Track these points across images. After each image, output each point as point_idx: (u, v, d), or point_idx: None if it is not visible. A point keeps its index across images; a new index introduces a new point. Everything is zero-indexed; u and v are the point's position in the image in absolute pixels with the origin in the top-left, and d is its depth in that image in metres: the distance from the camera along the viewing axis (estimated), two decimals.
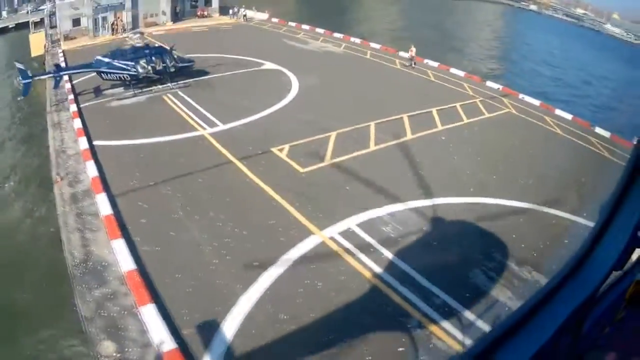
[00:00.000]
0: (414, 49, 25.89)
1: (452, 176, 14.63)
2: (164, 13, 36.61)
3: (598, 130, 20.57)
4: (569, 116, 21.67)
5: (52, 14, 41.36)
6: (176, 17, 37.28)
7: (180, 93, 20.27)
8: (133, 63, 20.41)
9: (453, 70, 26.42)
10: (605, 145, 19.23)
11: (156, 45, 22.03)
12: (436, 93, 22.37)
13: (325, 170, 14.13)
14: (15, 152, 18.77)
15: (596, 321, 1.53)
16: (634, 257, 1.55)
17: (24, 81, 20.04)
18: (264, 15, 38.55)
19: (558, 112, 22.08)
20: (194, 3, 38.89)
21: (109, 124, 17.46)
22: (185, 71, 21.56)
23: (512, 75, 33.63)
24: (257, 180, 13.25)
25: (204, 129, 16.56)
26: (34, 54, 32.66)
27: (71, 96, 20.51)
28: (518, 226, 12.44)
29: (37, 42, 33.70)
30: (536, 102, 22.88)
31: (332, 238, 11.17)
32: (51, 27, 40.55)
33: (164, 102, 19.41)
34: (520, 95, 23.51)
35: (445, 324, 8.94)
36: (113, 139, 16.09)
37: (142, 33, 22.84)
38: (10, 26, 50.00)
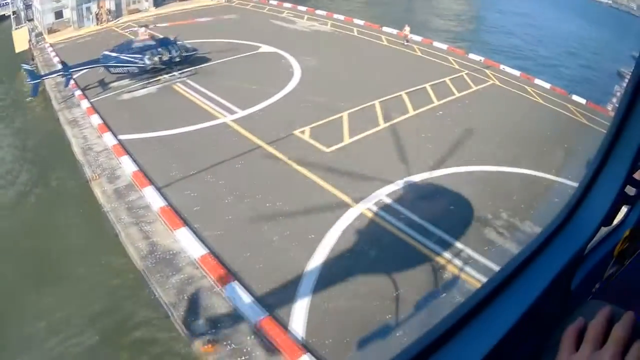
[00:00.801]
0: (407, 28, 27.19)
1: (456, 148, 16.47)
2: (144, 0, 36.12)
3: (575, 97, 22.87)
4: (547, 85, 23.87)
5: (27, 7, 39.87)
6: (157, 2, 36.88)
7: (189, 81, 20.95)
8: (141, 55, 20.85)
9: (436, 44, 28.06)
10: (582, 111, 21.57)
11: (160, 36, 22.34)
12: (426, 68, 24.02)
13: (347, 148, 15.66)
14: (36, 154, 19.10)
15: (585, 278, 1.51)
16: (622, 213, 1.56)
17: (32, 82, 20.34)
18: None
19: (537, 81, 24.24)
20: None
21: (128, 118, 18.10)
22: (189, 59, 22.21)
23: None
24: (290, 162, 14.63)
25: (225, 116, 17.58)
26: (18, 49, 31.62)
27: (78, 92, 20.74)
28: (516, 188, 14.54)
29: (20, 38, 32.58)
30: (517, 73, 24.94)
31: (368, 209, 12.86)
32: (28, 20, 39.25)
33: (176, 92, 20.12)
34: (501, 67, 25.49)
35: (468, 269, 10.97)
36: (137, 132, 16.86)
37: (146, 26, 22.87)
38: None
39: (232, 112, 17.85)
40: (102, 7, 35.09)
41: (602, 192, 1.51)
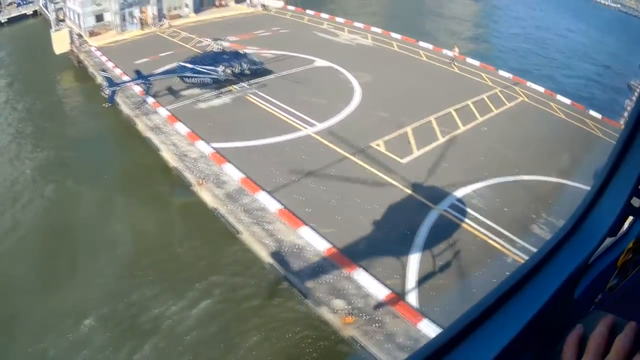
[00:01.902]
0: (457, 49, 30.34)
1: (502, 160, 19.87)
2: (187, 5, 38.77)
3: (592, 112, 26.45)
4: (568, 101, 27.39)
5: (59, 9, 42.08)
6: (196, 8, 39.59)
7: (260, 93, 23.97)
8: (214, 67, 23.77)
9: (469, 60, 31.38)
10: (598, 126, 25.14)
11: (232, 49, 25.14)
12: (465, 85, 27.36)
13: (418, 159, 18.94)
14: (131, 157, 21.85)
15: (588, 288, 1.51)
16: (627, 224, 1.58)
17: (110, 89, 22.82)
18: (279, 3, 41.49)
19: (559, 97, 27.75)
20: None
21: (212, 127, 20.98)
22: (257, 72, 25.09)
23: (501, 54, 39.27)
24: (376, 171, 17.88)
25: (306, 128, 20.69)
26: (57, 51, 33.87)
27: (150, 99, 23.56)
28: (551, 194, 18.04)
29: (60, 40, 34.50)
30: (541, 89, 28.43)
31: (445, 210, 16.22)
32: (59, 21, 41.49)
33: (250, 103, 23.14)
34: (528, 83, 28.95)
35: (519, 252, 14.41)
36: (227, 141, 19.74)
37: (218, 39, 25.64)
38: (2, 21, 49.70)
39: (311, 124, 20.98)
40: (144, 12, 37.70)
41: (609, 203, 1.54)
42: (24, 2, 55.77)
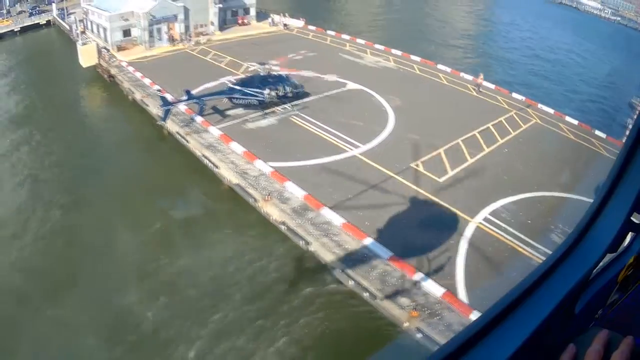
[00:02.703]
0: (481, 76, 34.59)
1: (522, 179, 23.98)
2: (212, 23, 42.65)
3: (597, 132, 30.86)
4: (575, 122, 31.80)
5: (80, 21, 45.68)
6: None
7: (302, 115, 27.88)
8: (261, 90, 27.59)
9: (485, 83, 35.68)
10: (603, 145, 29.52)
11: (276, 73, 28.93)
12: (484, 108, 31.60)
13: (453, 178, 22.94)
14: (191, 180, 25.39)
15: (589, 303, 1.57)
16: (627, 240, 1.66)
17: (164, 107, 26.61)
18: (299, 23, 45.56)
19: (567, 118, 32.14)
20: (234, 10, 45.07)
21: (265, 147, 24.68)
22: (298, 95, 28.92)
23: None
24: (419, 189, 21.82)
25: (352, 150, 24.60)
26: (85, 64, 37.60)
27: (199, 118, 27.30)
28: (568, 208, 22.15)
29: (88, 53, 37.88)
30: (551, 111, 32.80)
31: (480, 222, 20.22)
32: (80, 33, 45.06)
33: (296, 125, 26.97)
34: (539, 105, 33.33)
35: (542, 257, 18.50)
36: (283, 160, 23.45)
37: (264, 63, 29.27)
38: (15, 30, 53.11)
39: (355, 146, 24.90)
40: (172, 28, 41.48)
41: (609, 219, 1.61)
42: (37, 12, 59.18)
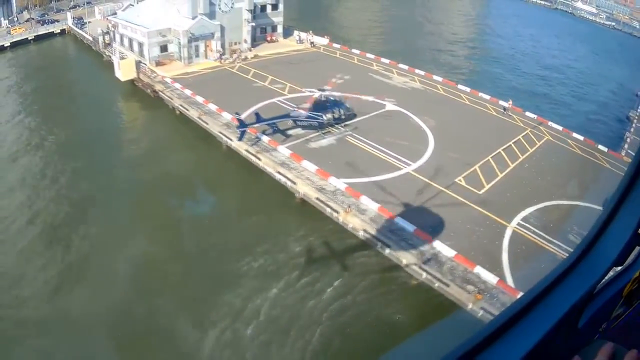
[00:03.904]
0: (510, 101, 43.17)
1: (543, 190, 32.41)
2: (245, 41, 49.91)
3: (600, 147, 39.78)
4: (581, 137, 40.69)
5: (105, 33, 52.10)
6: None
7: (355, 135, 35.64)
8: (321, 113, 35.29)
9: (501, 102, 44.33)
10: (605, 158, 38.44)
11: (332, 98, 36.57)
12: (503, 126, 40.14)
13: (489, 191, 31.11)
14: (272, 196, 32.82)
15: (593, 316, 1.69)
16: (634, 254, 1.82)
17: (240, 129, 34.10)
18: (324, 40, 53.25)
19: (574, 134, 41.02)
20: (263, 28, 52.39)
21: (333, 165, 32.32)
22: (350, 117, 36.67)
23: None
24: (465, 200, 29.93)
25: (404, 167, 32.51)
26: (124, 78, 44.50)
27: (265, 138, 34.79)
28: (580, 213, 30.69)
29: (127, 68, 44.70)
30: (559, 127, 41.63)
31: (515, 227, 28.46)
32: (106, 44, 51.55)
33: (352, 144, 34.63)
34: (549, 123, 42.12)
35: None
36: (352, 177, 31.14)
37: (323, 90, 36.90)
38: (29, 38, 58.98)
39: (406, 164, 32.81)
40: (208, 45, 48.58)
41: (615, 233, 1.75)
42: (49, 21, 65.04)
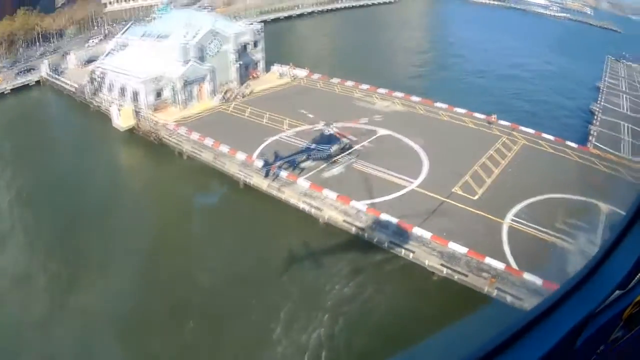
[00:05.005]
0: (495, 116, 52.92)
1: (526, 188, 41.79)
2: (234, 80, 58.08)
3: (569, 143, 49.92)
4: (552, 137, 50.80)
5: (93, 80, 58.30)
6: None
7: (360, 161, 44.16)
8: (329, 146, 43.83)
9: (475, 114, 54.12)
10: (577, 153, 48.54)
11: (335, 132, 45.16)
12: (482, 137, 49.74)
13: (481, 196, 40.13)
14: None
15: (591, 338, 1.81)
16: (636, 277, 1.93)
17: (265, 168, 42.14)
18: (303, 72, 62.03)
19: (544, 135, 51.11)
20: (246, 66, 60.62)
21: (347, 189, 40.56)
22: (351, 147, 45.32)
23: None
24: (464, 206, 38.80)
25: (409, 184, 41.09)
26: (124, 125, 51.59)
27: (283, 173, 42.75)
28: (560, 204, 40.13)
29: (126, 116, 51.87)
30: (531, 131, 51.73)
31: (509, 222, 37.45)
32: (92, 94, 57.81)
33: (358, 170, 43.15)
34: (521, 127, 52.11)
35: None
36: (368, 199, 39.43)
37: (328, 124, 45.48)
38: (6, 91, 63.99)
39: (409, 182, 41.51)
40: (201, 88, 56.13)
41: (621, 257, 1.87)
42: (24, 70, 68.93)
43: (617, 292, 2.04)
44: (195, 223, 40.09)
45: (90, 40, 78.24)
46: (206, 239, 38.53)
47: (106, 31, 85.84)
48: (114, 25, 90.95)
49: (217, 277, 34.77)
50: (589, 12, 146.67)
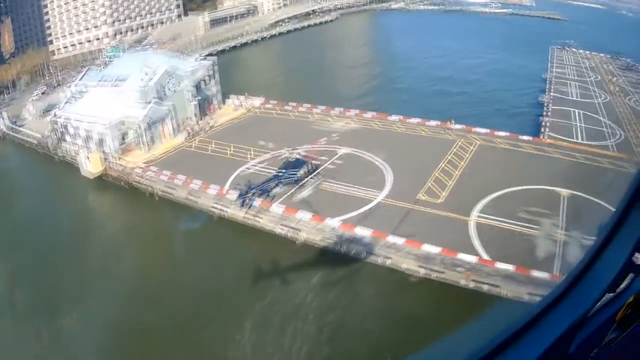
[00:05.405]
0: (453, 121, 57.19)
1: (486, 186, 45.70)
2: (194, 115, 60.82)
3: (522, 137, 54.54)
4: (506, 133, 55.35)
5: (55, 129, 59.52)
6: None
7: (328, 181, 47.27)
8: (296, 170, 46.94)
9: (428, 123, 58.40)
10: (530, 145, 53.07)
11: (299, 157, 48.33)
12: (439, 142, 53.81)
13: (445, 199, 43.76)
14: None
15: (584, 342, 1.86)
16: (627, 279, 2.01)
17: (241, 198, 44.76)
18: (259, 100, 65.31)
19: (497, 133, 55.62)
20: (203, 100, 63.48)
21: (321, 209, 43.44)
22: (317, 169, 48.50)
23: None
24: (430, 210, 42.26)
25: (376, 197, 44.29)
26: (94, 171, 53.36)
27: (257, 201, 45.45)
28: (519, 194, 44.13)
29: (95, 162, 53.82)
30: (486, 130, 56.20)
31: (475, 219, 41.12)
32: (57, 143, 59.10)
33: (326, 190, 46.16)
34: (474, 129, 56.54)
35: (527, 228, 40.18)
36: (340, 215, 42.36)
37: (293, 150, 48.56)
38: None
39: (376, 194, 44.79)
40: (164, 128, 58.37)
41: (609, 260, 1.92)
42: None
43: (608, 295, 2.14)
44: (172, 260, 41.94)
45: (35, 93, 78.61)
46: (183, 274, 40.00)
47: (59, 78, 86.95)
48: (64, 71, 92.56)
49: (196, 302, 36.67)
50: (530, 4, 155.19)
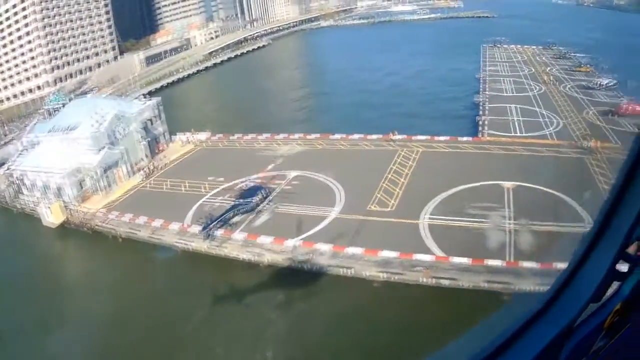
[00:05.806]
0: (396, 132, 61.67)
1: (432, 189, 50.33)
2: (145, 156, 63.64)
3: (462, 138, 59.95)
4: (447, 137, 60.63)
5: (11, 183, 61.37)
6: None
7: (283, 204, 50.97)
8: (252, 197, 50.55)
9: (369, 137, 63.22)
10: (471, 145, 58.45)
11: (253, 185, 51.98)
12: (381, 155, 58.44)
13: (395, 207, 48.02)
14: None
15: (573, 351, 1.92)
16: (614, 286, 2.06)
17: (203, 230, 47.87)
18: (205, 134, 68.80)
19: (437, 138, 60.88)
20: (151, 140, 66.45)
21: (282, 231, 46.48)
22: (270, 194, 52.24)
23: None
24: (382, 218, 46.47)
25: (331, 214, 48.00)
26: (56, 221, 55.03)
27: (219, 232, 48.73)
28: (467, 192, 49.06)
29: (57, 212, 55.44)
30: (426, 137, 61.33)
31: (426, 220, 45.55)
32: (14, 197, 60.99)
33: (283, 213, 49.52)
34: (414, 137, 61.60)
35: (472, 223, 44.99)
36: (300, 235, 46.00)
37: (246, 179, 52.10)
38: None
39: (331, 210, 48.65)
40: (118, 171, 60.92)
41: (591, 270, 1.98)
42: None
43: (592, 305, 2.21)
44: (137, 295, 43.64)
45: None
46: (150, 309, 41.81)
47: (6, 130, 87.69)
48: (11, 123, 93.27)
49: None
50: (458, 5, 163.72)
